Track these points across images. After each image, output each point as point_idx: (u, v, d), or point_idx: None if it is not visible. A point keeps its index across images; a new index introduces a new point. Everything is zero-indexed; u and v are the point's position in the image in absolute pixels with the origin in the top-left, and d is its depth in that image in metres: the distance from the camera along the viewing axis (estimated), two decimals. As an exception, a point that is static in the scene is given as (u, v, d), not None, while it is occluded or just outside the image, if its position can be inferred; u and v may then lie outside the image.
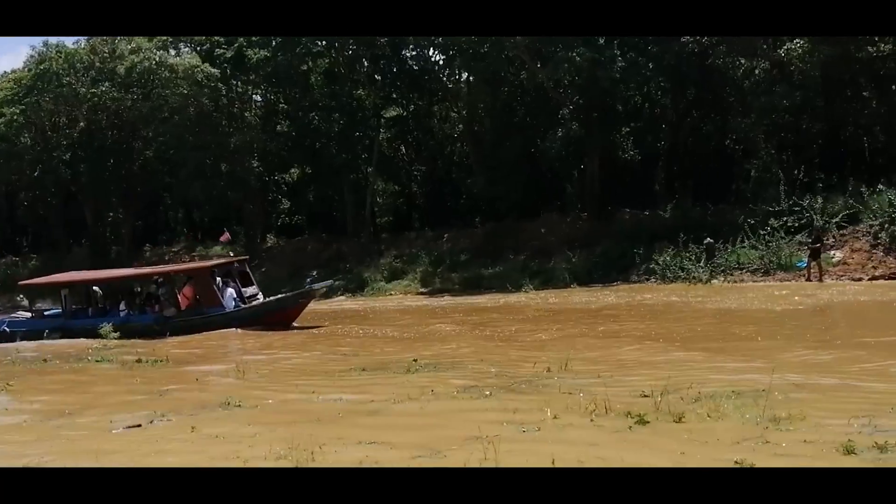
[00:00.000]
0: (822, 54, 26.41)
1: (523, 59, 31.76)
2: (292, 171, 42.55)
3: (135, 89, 37.25)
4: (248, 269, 22.07)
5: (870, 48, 26.58)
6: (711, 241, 24.75)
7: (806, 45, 26.68)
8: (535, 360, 10.94)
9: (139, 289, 21.48)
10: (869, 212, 23.63)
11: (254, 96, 41.18)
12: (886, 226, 22.87)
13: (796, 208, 24.39)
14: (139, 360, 14.06)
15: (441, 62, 37.60)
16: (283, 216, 44.07)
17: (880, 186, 24.08)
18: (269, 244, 40.24)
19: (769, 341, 12.79)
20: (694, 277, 24.01)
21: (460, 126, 39.36)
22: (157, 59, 36.11)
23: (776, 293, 20.05)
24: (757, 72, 29.31)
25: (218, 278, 20.33)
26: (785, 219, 24.15)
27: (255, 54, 36.26)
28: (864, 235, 23.42)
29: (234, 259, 22.72)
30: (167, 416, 8.44)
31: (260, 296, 21.48)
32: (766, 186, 26.80)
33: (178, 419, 8.23)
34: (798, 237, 23.79)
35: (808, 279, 22.00)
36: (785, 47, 27.17)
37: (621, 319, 17.39)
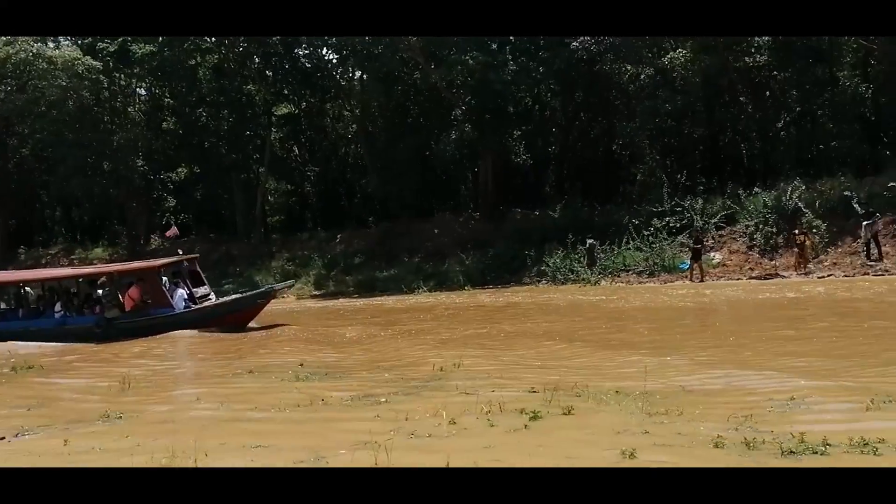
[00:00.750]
0: (703, 63, 27.54)
1: (417, 60, 31.83)
2: (179, 170, 41.16)
3: (9, 80, 35.27)
4: (198, 269, 21.24)
5: (747, 59, 27.89)
6: (594, 242, 25.45)
7: (688, 54, 27.78)
8: (431, 361, 10.93)
9: (75, 289, 20.23)
10: (745, 213, 24.78)
11: (138, 90, 39.68)
12: (761, 226, 24.03)
13: (678, 209, 25.39)
14: (14, 370, 13.29)
15: (334, 61, 37.22)
16: (168, 215, 42.54)
17: (756, 189, 25.30)
18: (153, 245, 38.85)
19: (656, 338, 13.20)
20: (583, 279, 24.59)
21: (354, 125, 39.09)
22: (35, 50, 34.29)
23: (663, 294, 20.72)
24: (642, 77, 30.37)
25: (165, 278, 19.45)
26: (667, 219, 25.11)
27: (141, 49, 34.94)
28: (740, 236, 24.53)
29: (184, 258, 21.45)
30: (35, 430, 7.97)
31: (212, 296, 20.68)
32: (651, 189, 27.77)
33: (50, 432, 7.78)
34: (680, 238, 24.72)
35: (691, 280, 22.86)
36: (668, 55, 28.21)
37: (520, 319, 17.58)
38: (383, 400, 8.34)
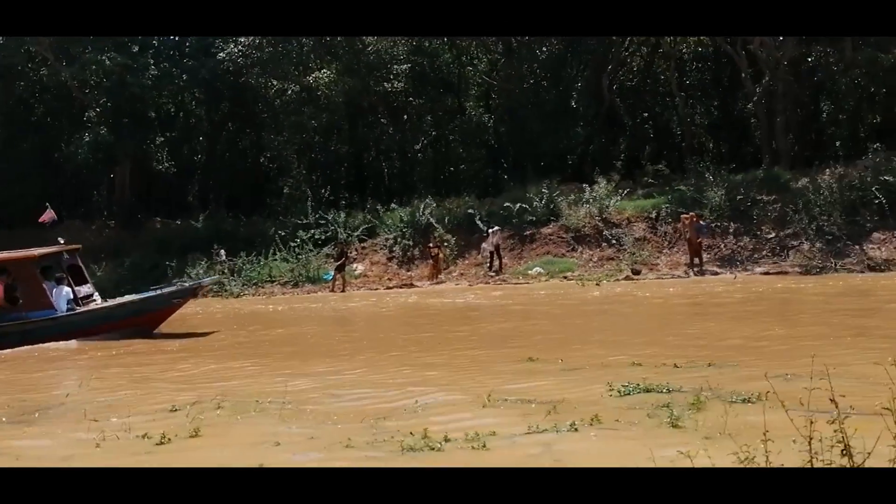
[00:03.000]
0: (346, 84, 28.72)
1: (45, 56, 29.23)
2: None
3: None
4: (79, 262, 17.10)
5: (386, 84, 29.59)
6: (222, 250, 25.24)
7: (332, 74, 28.82)
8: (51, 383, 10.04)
9: None
10: (384, 227, 26.21)
11: None
12: (399, 239, 25.59)
13: (322, 222, 26.12)
14: None
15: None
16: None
17: (393, 205, 26.92)
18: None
19: (295, 349, 13.41)
20: (226, 290, 24.18)
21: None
22: None
23: (311, 304, 21.10)
24: (289, 92, 30.83)
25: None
26: (312, 231, 25.69)
27: None
28: (381, 249, 25.89)
29: (64, 248, 17.00)
30: None
31: (97, 297, 16.78)
32: (297, 202, 28.19)
33: None
34: (325, 250, 25.40)
35: (332, 290, 23.58)
36: (313, 74, 29.00)
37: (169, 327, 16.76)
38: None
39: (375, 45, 29.24)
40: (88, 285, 17.28)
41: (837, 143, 28.21)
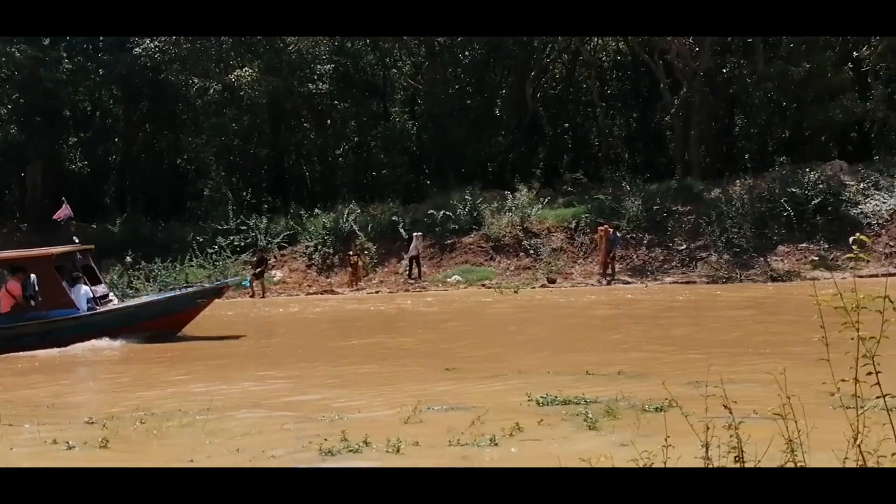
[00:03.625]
0: (271, 84, 28.36)
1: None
2: None
3: None
4: (92, 263, 16.54)
5: (310, 85, 29.40)
6: (128, 258, 24.71)
7: (255, 73, 28.35)
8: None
9: None
10: (306, 233, 25.99)
11: None
12: (319, 247, 25.42)
13: (243, 227, 25.73)
14: None
15: None
16: None
17: (316, 210, 26.66)
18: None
19: (222, 361, 13.25)
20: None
21: None
22: None
23: (229, 311, 20.79)
24: (211, 92, 30.31)
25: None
26: (232, 238, 25.22)
27: None
28: (301, 256, 25.70)
29: (78, 248, 16.31)
30: None
31: (113, 297, 16.13)
32: (217, 206, 27.73)
33: None
34: (244, 256, 24.99)
35: (252, 297, 23.32)
36: (235, 73, 28.51)
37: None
38: None
39: (297, 45, 28.96)
40: (103, 285, 16.70)
41: (747, 156, 29.34)
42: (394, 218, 25.43)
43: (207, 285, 17.49)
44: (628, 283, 21.93)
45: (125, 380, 11.34)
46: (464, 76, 31.15)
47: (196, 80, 30.47)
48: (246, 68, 28.70)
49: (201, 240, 25.11)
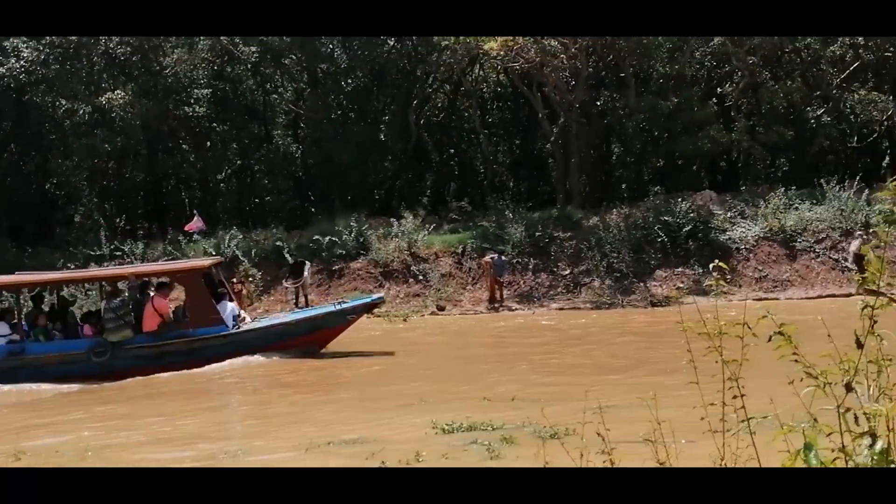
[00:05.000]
0: (144, 107, 27.45)
1: None
2: None
3: None
4: (223, 277, 16.15)
5: (186, 108, 28.58)
6: None
7: (127, 96, 27.40)
8: None
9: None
10: (185, 259, 25.04)
11: None
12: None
13: (117, 253, 24.70)
14: None
15: None
16: None
17: (196, 237, 25.68)
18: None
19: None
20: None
21: None
22: None
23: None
24: (80, 113, 29.01)
25: None
26: (106, 264, 24.14)
27: None
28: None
29: (215, 261, 16.25)
30: None
31: (243, 313, 15.57)
32: (89, 231, 26.49)
33: None
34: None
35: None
36: (106, 95, 27.50)
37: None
38: None
39: (174, 68, 28.29)
40: (233, 301, 15.87)
41: (623, 186, 30.49)
42: (278, 243, 24.93)
43: (356, 302, 16.56)
44: (514, 309, 22.28)
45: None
46: (346, 103, 31.05)
47: (64, 102, 29.15)
48: (118, 91, 27.72)
49: (72, 266, 23.90)
